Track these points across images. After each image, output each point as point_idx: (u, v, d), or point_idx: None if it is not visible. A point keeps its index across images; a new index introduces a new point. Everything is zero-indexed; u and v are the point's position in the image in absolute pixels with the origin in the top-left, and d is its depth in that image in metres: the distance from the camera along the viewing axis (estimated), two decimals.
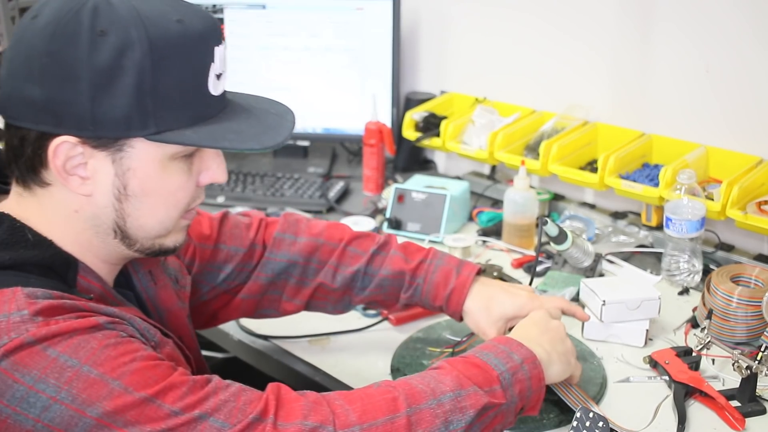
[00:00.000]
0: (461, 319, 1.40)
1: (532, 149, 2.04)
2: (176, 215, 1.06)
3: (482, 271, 1.43)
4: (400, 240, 1.46)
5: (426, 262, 1.41)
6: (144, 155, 0.99)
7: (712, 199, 1.76)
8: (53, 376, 0.91)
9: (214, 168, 1.07)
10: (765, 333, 1.39)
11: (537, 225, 1.83)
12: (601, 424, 1.22)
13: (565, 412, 1.32)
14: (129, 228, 1.04)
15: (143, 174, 1.00)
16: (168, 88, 0.97)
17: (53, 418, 0.90)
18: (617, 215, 2.03)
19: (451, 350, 1.49)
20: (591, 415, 1.23)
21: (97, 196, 1.01)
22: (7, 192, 1.07)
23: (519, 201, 1.91)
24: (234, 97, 1.08)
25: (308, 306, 1.44)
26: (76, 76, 0.94)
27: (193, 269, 1.35)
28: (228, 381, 1.01)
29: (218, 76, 1.02)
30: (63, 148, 0.97)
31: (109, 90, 0.94)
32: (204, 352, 2.41)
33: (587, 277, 1.73)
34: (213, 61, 1.01)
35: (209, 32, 1.00)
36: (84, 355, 0.92)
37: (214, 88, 1.01)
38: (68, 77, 0.94)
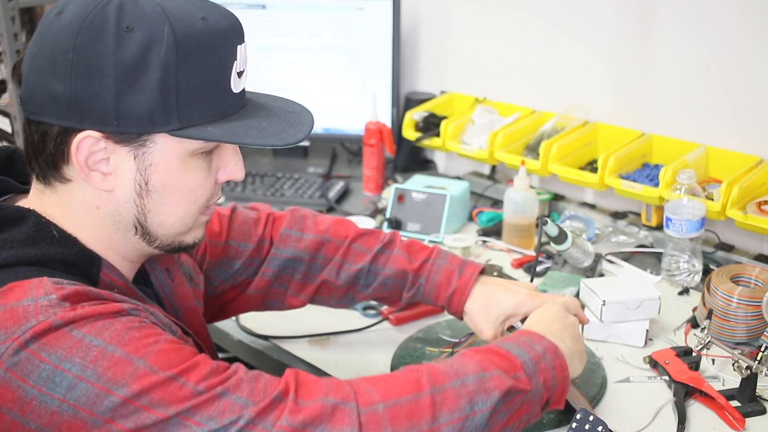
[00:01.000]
0: (462, 318, 1.41)
1: (532, 149, 2.04)
2: (195, 211, 1.07)
3: (485, 270, 1.43)
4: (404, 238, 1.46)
5: (429, 262, 1.42)
6: (166, 151, 1.00)
7: (712, 199, 1.76)
8: (79, 355, 0.91)
9: (231, 165, 1.08)
10: (765, 333, 1.40)
11: (537, 225, 1.83)
12: (600, 428, 1.22)
13: (565, 412, 1.32)
14: (150, 224, 1.04)
15: (164, 170, 1.01)
16: (192, 84, 0.98)
17: (79, 397, 0.90)
18: (617, 215, 2.03)
19: (450, 350, 1.50)
20: (591, 418, 1.23)
21: (118, 192, 1.01)
22: (26, 191, 1.08)
23: (519, 201, 1.91)
24: (252, 96, 1.10)
25: (312, 300, 1.46)
26: (101, 72, 0.95)
27: (204, 266, 1.36)
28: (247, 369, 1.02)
29: (240, 74, 1.04)
30: (86, 143, 0.97)
31: (134, 85, 0.95)
32: None
33: (587, 277, 1.73)
34: (235, 58, 1.02)
35: (232, 30, 1.02)
36: (109, 336, 0.92)
37: (236, 85, 1.03)
38: (94, 72, 0.95)
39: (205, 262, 1.36)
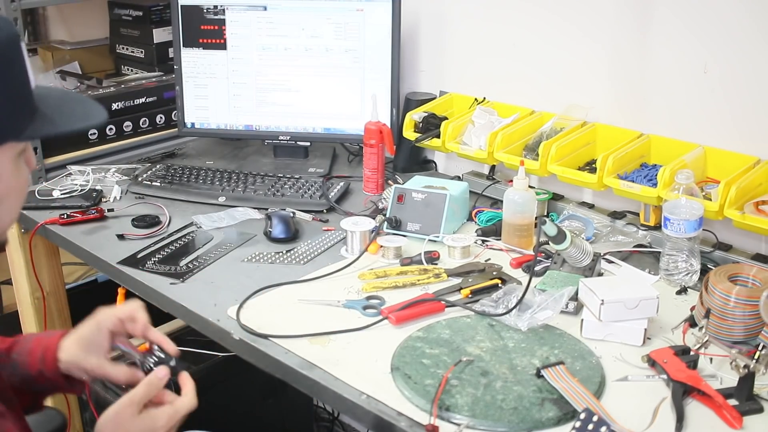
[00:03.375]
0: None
1: (532, 149, 2.05)
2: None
3: None
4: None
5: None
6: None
7: (710, 199, 1.77)
8: None
9: (30, 156, 1.15)
10: (762, 332, 1.40)
11: (536, 225, 1.84)
12: (603, 429, 1.23)
13: (565, 412, 1.33)
14: None
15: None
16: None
17: None
18: (616, 215, 2.04)
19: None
20: (595, 418, 1.24)
21: None
22: None
23: (518, 201, 1.92)
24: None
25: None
26: None
27: None
28: None
29: None
30: None
31: None
32: (205, 352, 2.42)
33: (586, 276, 1.74)
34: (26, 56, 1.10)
35: (13, 34, 1.07)
36: None
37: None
38: None
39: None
